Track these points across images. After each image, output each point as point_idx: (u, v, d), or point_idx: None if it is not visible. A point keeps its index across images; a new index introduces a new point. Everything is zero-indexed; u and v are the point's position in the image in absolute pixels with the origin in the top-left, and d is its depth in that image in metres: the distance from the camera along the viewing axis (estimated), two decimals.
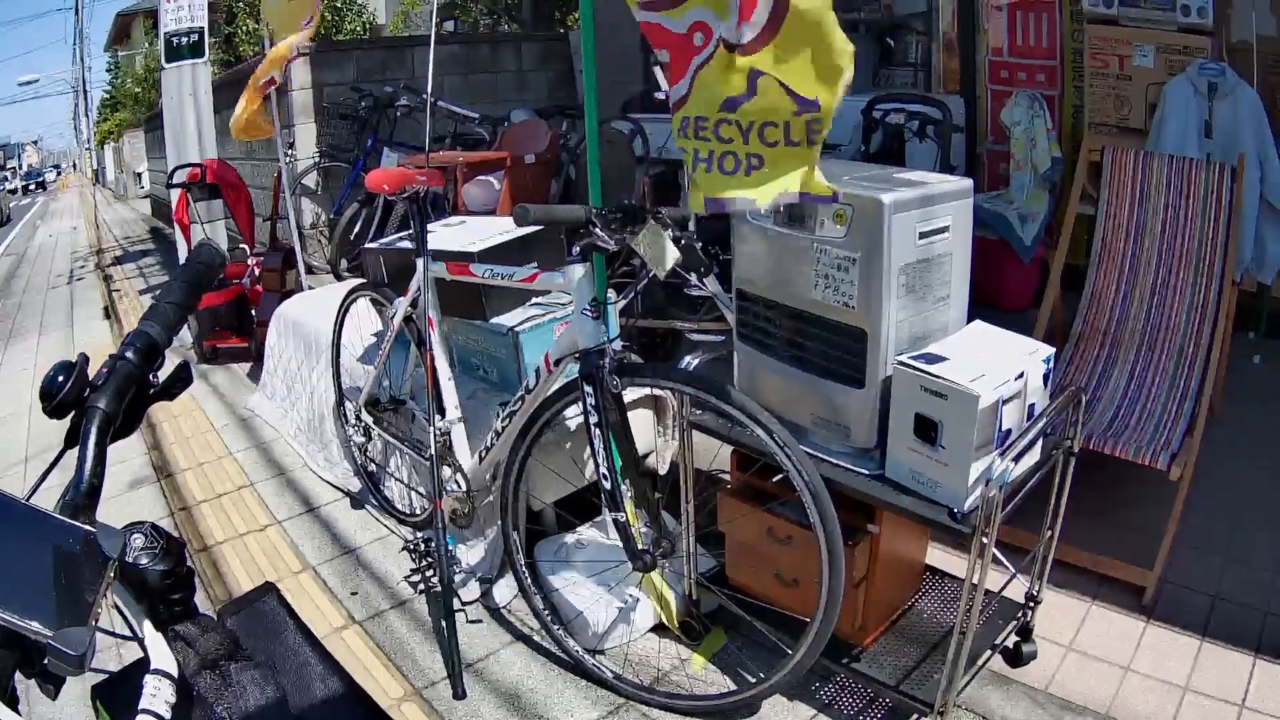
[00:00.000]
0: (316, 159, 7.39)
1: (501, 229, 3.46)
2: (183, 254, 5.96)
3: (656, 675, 2.75)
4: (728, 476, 2.82)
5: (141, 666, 1.05)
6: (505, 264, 2.89)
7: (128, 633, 1.10)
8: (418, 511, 3.60)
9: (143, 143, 21.41)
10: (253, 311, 6.00)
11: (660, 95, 4.58)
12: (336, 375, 3.89)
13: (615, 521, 2.51)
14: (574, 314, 2.52)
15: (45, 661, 0.86)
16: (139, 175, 23.04)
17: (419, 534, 3.28)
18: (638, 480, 2.59)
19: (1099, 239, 3.46)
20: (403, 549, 3.23)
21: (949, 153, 5.03)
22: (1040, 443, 2.29)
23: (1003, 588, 2.58)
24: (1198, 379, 3.14)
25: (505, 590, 3.15)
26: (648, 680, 2.72)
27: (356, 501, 3.95)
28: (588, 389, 2.47)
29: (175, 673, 1.04)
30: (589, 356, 2.47)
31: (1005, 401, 2.07)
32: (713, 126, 2.09)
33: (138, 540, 1.12)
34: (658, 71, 4.52)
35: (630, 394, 2.77)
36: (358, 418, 3.66)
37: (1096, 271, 3.46)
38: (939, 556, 2.93)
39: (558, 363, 2.62)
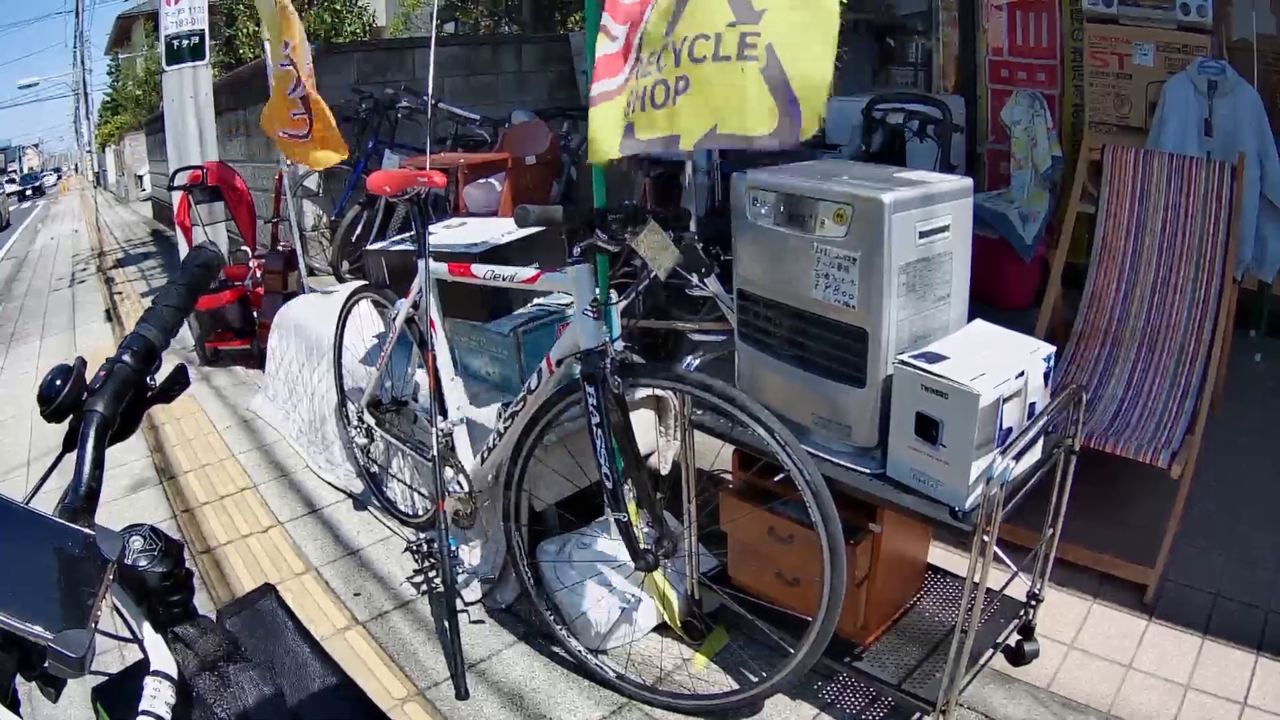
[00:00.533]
0: None
1: (503, 230, 3.47)
2: (184, 257, 5.96)
3: (659, 675, 2.76)
4: (729, 476, 2.82)
5: (141, 668, 1.05)
6: (507, 265, 2.89)
7: (127, 635, 1.10)
8: (420, 513, 3.60)
9: (144, 145, 21.41)
10: (255, 313, 6.01)
11: None
12: (339, 377, 3.89)
13: (617, 521, 2.52)
14: (575, 314, 2.53)
15: (45, 664, 0.86)
16: (140, 178, 23.03)
17: (421, 535, 3.29)
18: (640, 480, 2.58)
19: (1099, 238, 3.46)
20: (405, 550, 3.23)
21: (949, 152, 5.03)
22: (1041, 441, 2.29)
23: (1004, 586, 2.58)
24: (1198, 377, 3.14)
25: (508, 591, 3.15)
26: (650, 680, 2.72)
27: (359, 503, 3.95)
28: (590, 389, 2.47)
29: (175, 674, 1.04)
30: (591, 357, 2.48)
31: (1006, 400, 2.07)
32: (655, 58, 2.07)
33: (137, 542, 1.12)
34: None
35: (632, 394, 2.77)
36: (360, 419, 3.67)
37: (1097, 270, 3.46)
38: (941, 555, 2.93)
39: (560, 363, 2.62)
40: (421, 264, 3.05)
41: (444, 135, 6.93)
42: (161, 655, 1.06)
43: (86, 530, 0.99)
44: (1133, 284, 3.37)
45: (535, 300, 3.45)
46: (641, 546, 2.54)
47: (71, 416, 1.17)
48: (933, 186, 2.20)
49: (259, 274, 6.01)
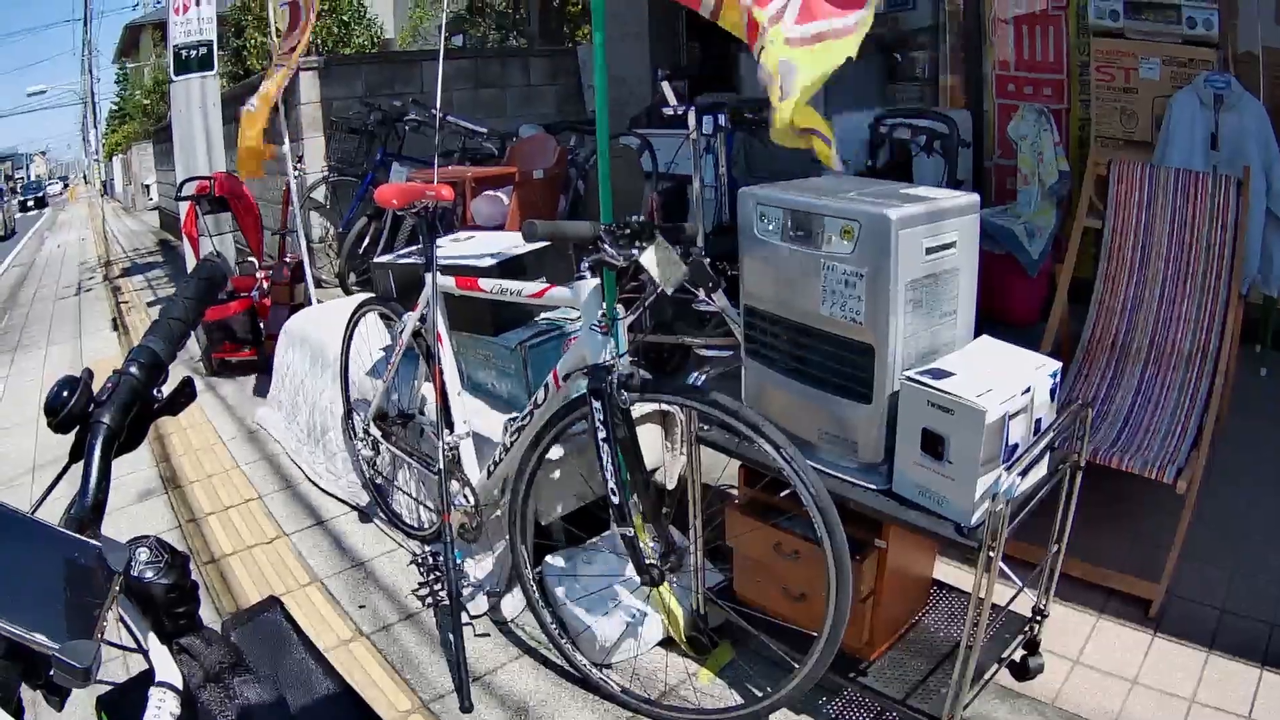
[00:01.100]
0: (325, 173, 7.43)
1: (510, 244, 3.47)
2: (191, 267, 5.98)
3: (664, 689, 2.75)
4: (735, 491, 2.82)
5: (146, 678, 1.05)
6: (514, 279, 2.90)
7: (132, 645, 1.10)
8: (426, 525, 3.60)
9: (151, 155, 21.44)
10: (261, 324, 6.02)
11: (668, 111, 4.59)
12: (345, 389, 3.90)
13: (623, 536, 2.51)
14: (583, 329, 2.53)
15: (51, 673, 0.86)
16: (147, 187, 23.07)
17: (427, 548, 3.29)
18: (646, 495, 2.58)
19: (1105, 252, 3.46)
20: (411, 562, 3.23)
21: (956, 167, 5.03)
22: (1047, 457, 2.29)
23: (1009, 602, 2.57)
24: (1204, 392, 3.13)
25: (513, 604, 3.15)
26: (655, 694, 2.71)
27: (364, 515, 3.95)
28: (596, 404, 2.47)
29: (180, 685, 1.04)
30: (597, 372, 2.48)
31: (1012, 416, 2.07)
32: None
33: (143, 554, 1.12)
34: (665, 87, 4.54)
35: (638, 409, 2.77)
36: (366, 431, 3.67)
37: (1103, 285, 3.45)
38: (946, 571, 2.92)
39: (566, 378, 2.62)
40: (429, 277, 3.06)
41: (451, 148, 6.94)
42: (167, 666, 1.06)
43: (93, 542, 1.00)
44: (1139, 299, 3.37)
45: (542, 314, 3.45)
46: (647, 561, 2.53)
47: (78, 428, 1.17)
48: (939, 203, 2.21)
49: (266, 285, 6.03)
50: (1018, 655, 2.63)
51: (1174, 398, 3.20)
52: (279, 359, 4.96)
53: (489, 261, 3.26)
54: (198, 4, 7.04)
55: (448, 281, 3.05)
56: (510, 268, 3.26)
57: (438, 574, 3.02)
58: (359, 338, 3.82)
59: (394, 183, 6.09)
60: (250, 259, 6.43)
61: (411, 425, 3.53)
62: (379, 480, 3.86)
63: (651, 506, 2.59)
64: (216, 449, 4.91)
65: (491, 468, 2.97)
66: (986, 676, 2.51)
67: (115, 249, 15.42)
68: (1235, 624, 2.81)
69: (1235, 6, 4.51)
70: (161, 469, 4.68)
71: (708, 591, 2.81)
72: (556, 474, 3.07)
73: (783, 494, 2.53)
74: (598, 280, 2.53)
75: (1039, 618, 2.61)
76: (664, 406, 3.19)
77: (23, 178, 60.97)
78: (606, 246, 2.39)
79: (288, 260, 6.15)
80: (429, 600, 3.03)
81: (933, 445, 2.12)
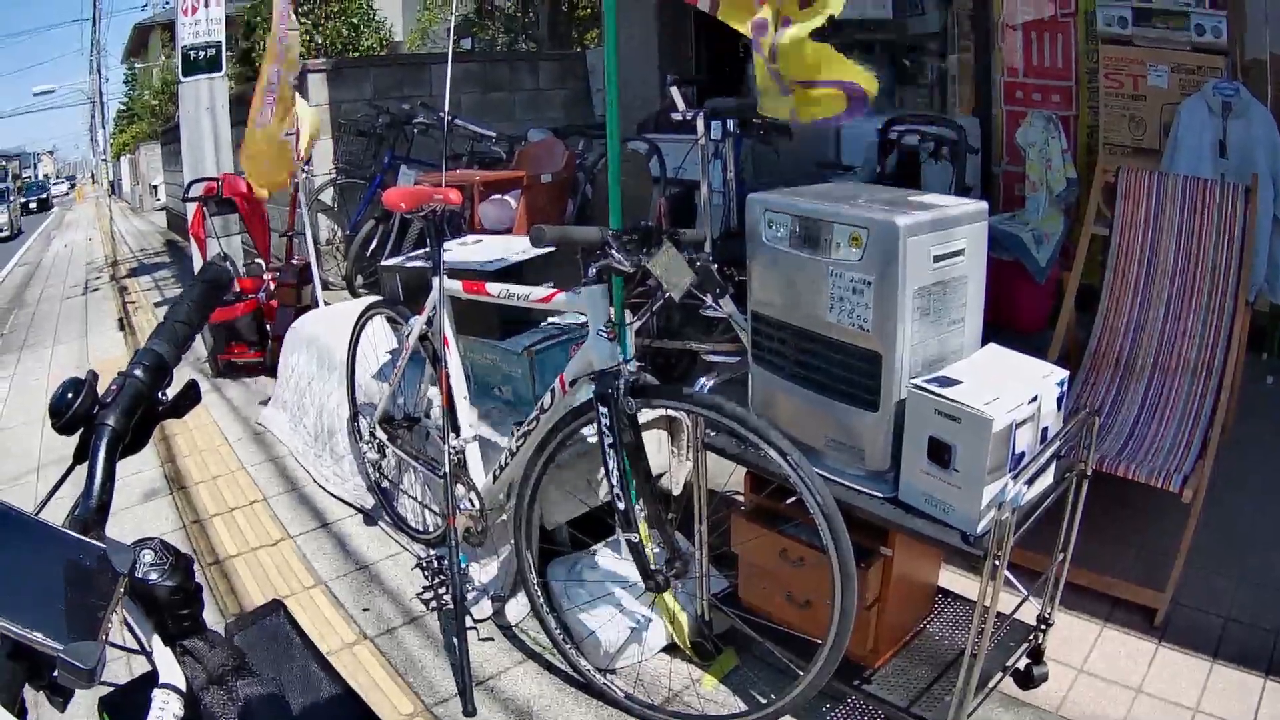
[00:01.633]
0: (333, 175, 7.43)
1: (518, 248, 3.47)
2: (198, 268, 6.01)
3: (668, 695, 2.75)
4: (741, 498, 2.82)
5: (149, 680, 1.05)
6: (522, 284, 2.90)
7: (136, 647, 1.10)
8: (431, 529, 3.60)
9: (159, 155, 21.50)
10: (268, 326, 6.03)
11: (677, 116, 4.58)
12: (351, 392, 3.90)
13: (628, 541, 2.51)
14: (590, 335, 2.53)
15: (54, 674, 0.86)
16: (155, 188, 23.13)
17: (432, 551, 3.29)
18: (651, 501, 2.58)
19: (1113, 260, 3.45)
20: (415, 566, 3.23)
21: (964, 174, 5.02)
22: (1053, 465, 2.28)
23: (1015, 610, 2.57)
24: (1211, 401, 3.13)
25: (517, 608, 3.15)
26: (659, 700, 2.71)
27: (369, 518, 3.95)
28: (602, 409, 2.47)
29: (183, 687, 1.04)
30: (604, 377, 2.47)
31: (1019, 425, 2.07)
32: None
33: (147, 556, 1.12)
34: (674, 92, 4.54)
35: (645, 414, 2.77)
36: (372, 434, 3.67)
37: (1110, 293, 3.45)
38: (951, 579, 2.91)
39: (573, 383, 2.62)
40: (436, 281, 3.06)
41: (460, 152, 6.95)
42: (170, 668, 1.06)
43: (98, 543, 1.00)
44: (1146, 306, 3.36)
45: (549, 319, 3.45)
46: (652, 567, 2.53)
47: (83, 430, 1.17)
48: (948, 210, 2.20)
49: (273, 287, 6.04)
50: (1022, 663, 2.62)
51: (1180, 406, 3.19)
52: (284, 360, 4.97)
53: (496, 266, 3.27)
54: (206, 5, 7.07)
55: (455, 285, 3.05)
56: (517, 272, 3.26)
57: (442, 578, 3.02)
58: (366, 341, 3.83)
59: (402, 186, 6.12)
60: (257, 260, 6.44)
61: (417, 429, 3.53)
62: (384, 483, 3.86)
63: (657, 512, 2.59)
64: (222, 450, 4.91)
65: (497, 472, 2.97)
66: (991, 685, 2.51)
67: (122, 249, 15.45)
68: (1240, 633, 2.80)
69: (1244, 14, 4.50)
70: (166, 470, 4.69)
71: (712, 598, 2.81)
72: (563, 479, 3.07)
73: (788, 501, 2.52)
74: (605, 285, 2.53)
75: (1044, 626, 2.61)
76: (670, 412, 3.19)
77: (30, 177, 59.95)
78: (614, 252, 2.39)
79: (295, 262, 6.16)
80: (433, 604, 3.02)
81: (939, 453, 2.12)
